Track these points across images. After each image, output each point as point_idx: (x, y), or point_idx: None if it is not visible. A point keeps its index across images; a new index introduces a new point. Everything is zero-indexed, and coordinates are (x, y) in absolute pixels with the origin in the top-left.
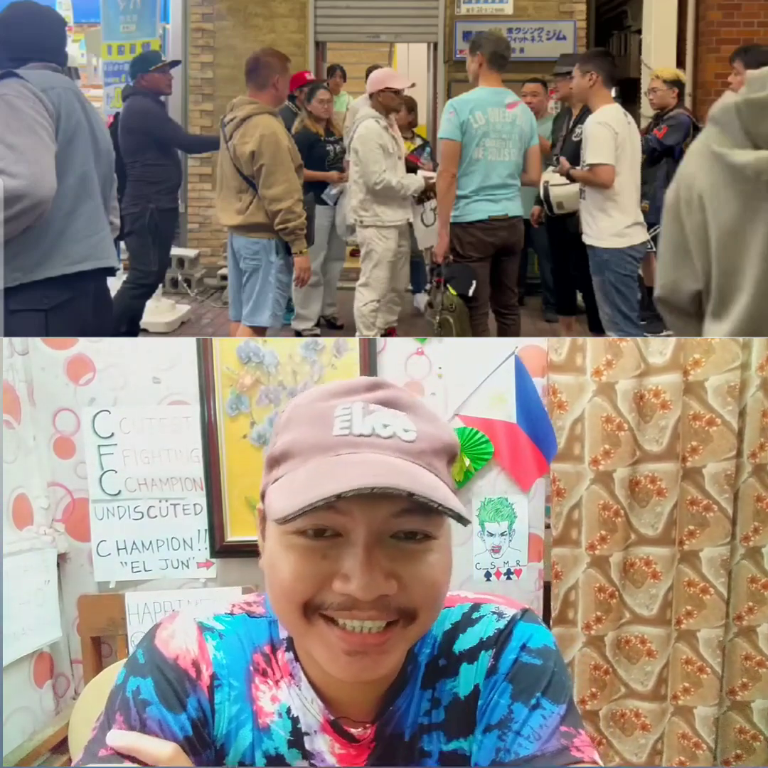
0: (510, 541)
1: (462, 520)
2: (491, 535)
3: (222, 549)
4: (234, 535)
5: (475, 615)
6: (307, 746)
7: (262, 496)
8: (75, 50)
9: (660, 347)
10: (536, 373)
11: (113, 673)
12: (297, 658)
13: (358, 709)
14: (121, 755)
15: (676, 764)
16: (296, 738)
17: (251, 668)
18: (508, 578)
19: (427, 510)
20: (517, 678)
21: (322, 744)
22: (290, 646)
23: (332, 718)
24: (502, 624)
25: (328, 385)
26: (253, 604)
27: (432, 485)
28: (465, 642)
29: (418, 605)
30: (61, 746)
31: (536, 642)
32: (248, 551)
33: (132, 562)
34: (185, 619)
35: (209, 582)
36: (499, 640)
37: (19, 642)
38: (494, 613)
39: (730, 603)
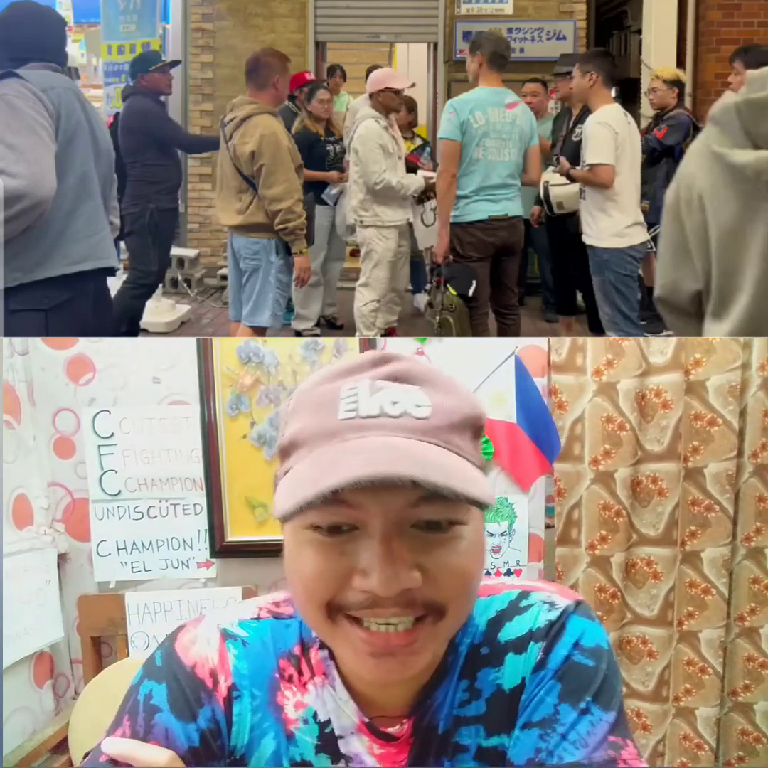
0: (510, 541)
1: (479, 504)
2: (491, 535)
3: (222, 549)
4: (234, 535)
5: (523, 603)
6: (342, 749)
7: (275, 489)
8: (75, 50)
9: (661, 347)
10: (537, 373)
11: (113, 673)
12: (332, 656)
13: (394, 705)
14: (116, 762)
15: (678, 765)
16: (325, 743)
17: (276, 675)
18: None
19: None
20: (566, 677)
21: (358, 746)
22: (324, 644)
23: (367, 719)
24: (553, 615)
25: (334, 365)
26: (281, 604)
27: (444, 467)
28: (512, 631)
29: (447, 598)
30: (61, 746)
31: (590, 640)
32: (248, 551)
33: (132, 562)
34: (209, 625)
35: (209, 582)
36: (551, 633)
37: (20, 642)
38: (545, 602)
39: (731, 604)
